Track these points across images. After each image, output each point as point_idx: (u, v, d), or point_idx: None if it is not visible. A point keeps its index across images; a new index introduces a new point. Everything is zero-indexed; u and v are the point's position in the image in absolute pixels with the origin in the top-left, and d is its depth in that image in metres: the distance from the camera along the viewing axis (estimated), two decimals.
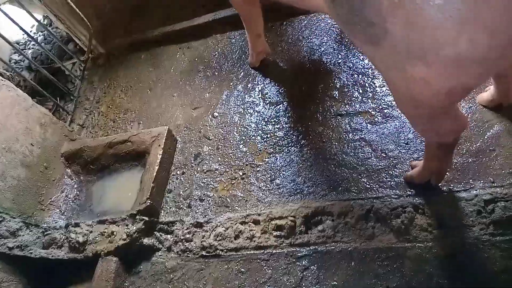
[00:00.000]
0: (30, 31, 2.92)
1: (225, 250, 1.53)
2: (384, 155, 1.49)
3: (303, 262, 1.41)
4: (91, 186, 1.99)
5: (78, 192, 1.98)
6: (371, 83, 1.69)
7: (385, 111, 1.59)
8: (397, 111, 1.57)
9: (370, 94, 1.67)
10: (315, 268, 1.38)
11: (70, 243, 1.72)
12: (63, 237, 1.76)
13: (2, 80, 1.83)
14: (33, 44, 2.86)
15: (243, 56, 2.07)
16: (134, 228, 1.64)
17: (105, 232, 1.69)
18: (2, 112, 1.79)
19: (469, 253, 1.23)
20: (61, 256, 1.71)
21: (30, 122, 1.91)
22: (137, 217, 1.66)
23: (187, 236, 1.60)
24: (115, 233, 1.66)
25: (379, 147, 1.52)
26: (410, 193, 1.38)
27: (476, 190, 1.31)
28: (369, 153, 1.52)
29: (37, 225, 1.80)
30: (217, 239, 1.56)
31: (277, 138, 1.72)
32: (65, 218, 1.89)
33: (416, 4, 0.72)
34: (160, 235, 1.66)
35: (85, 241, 1.70)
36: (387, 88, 1.63)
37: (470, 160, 1.38)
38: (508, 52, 0.78)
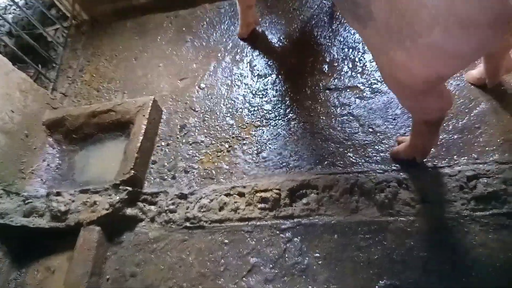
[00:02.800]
0: None
1: (209, 222, 1.52)
2: (371, 130, 1.49)
3: (287, 234, 1.41)
4: (73, 155, 1.95)
5: (60, 162, 1.94)
6: (361, 57, 1.68)
7: (374, 86, 1.59)
8: (385, 86, 1.56)
9: (360, 69, 1.65)
10: (298, 240, 1.39)
11: (51, 212, 1.69)
12: (45, 206, 1.73)
13: None
14: (14, 9, 2.75)
15: (232, 27, 2.02)
16: (117, 198, 1.62)
17: (87, 201, 1.67)
18: None
19: (450, 227, 1.25)
20: (43, 224, 1.69)
21: (10, 87, 1.85)
22: (120, 187, 1.64)
23: (171, 207, 1.59)
24: (97, 202, 1.64)
25: (367, 122, 1.51)
26: (395, 168, 1.39)
27: (460, 166, 1.32)
28: (356, 128, 1.52)
29: (17, 193, 1.76)
30: (202, 210, 1.55)
31: (265, 111, 1.70)
32: (46, 187, 1.85)
33: None
34: (144, 205, 1.65)
35: (67, 210, 1.67)
36: None
37: (455, 136, 1.39)
38: (485, 47, 0.79)
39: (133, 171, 1.64)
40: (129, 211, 1.63)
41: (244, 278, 1.38)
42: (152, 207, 1.63)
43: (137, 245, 1.58)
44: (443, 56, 0.80)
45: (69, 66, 2.28)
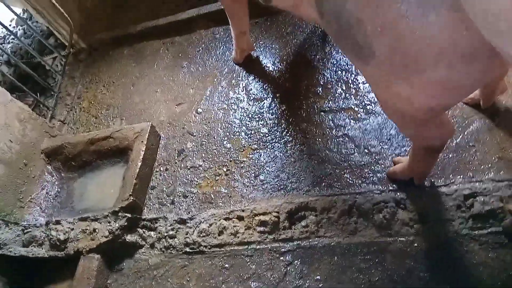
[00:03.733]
0: (9, 25, 2.85)
1: (209, 246, 1.52)
2: (367, 151, 1.51)
3: (287, 257, 1.41)
4: (72, 183, 1.96)
5: (59, 189, 1.94)
6: (354, 79, 1.71)
7: (368, 107, 1.61)
8: (379, 107, 1.58)
9: (353, 91, 1.68)
10: (298, 263, 1.39)
11: (51, 240, 1.69)
12: (44, 234, 1.73)
13: None
14: (12, 38, 2.80)
15: (227, 52, 2.06)
16: (117, 225, 1.62)
17: (87, 229, 1.67)
18: None
19: (449, 246, 1.25)
20: (42, 254, 1.68)
21: (8, 117, 1.87)
22: (120, 213, 1.64)
23: (171, 232, 1.59)
24: (97, 230, 1.64)
25: (362, 143, 1.53)
26: (392, 188, 1.40)
27: (456, 185, 1.33)
28: (352, 149, 1.54)
29: (16, 223, 1.76)
30: (201, 235, 1.55)
31: (261, 134, 1.72)
32: (45, 216, 1.85)
33: (398, 31, 0.74)
34: (143, 231, 1.64)
35: (66, 238, 1.67)
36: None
37: (450, 155, 1.40)
38: (485, 78, 0.82)
39: (132, 198, 1.65)
40: (129, 237, 1.63)
41: None
42: (152, 233, 1.63)
43: (137, 272, 1.58)
44: (447, 88, 0.83)
45: (68, 94, 2.31)
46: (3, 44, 2.86)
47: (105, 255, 1.63)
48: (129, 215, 1.64)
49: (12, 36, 2.66)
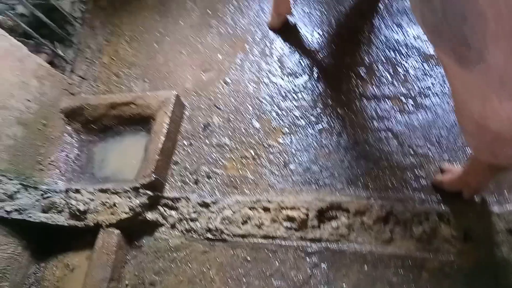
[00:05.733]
0: None
1: (231, 235, 1.46)
2: (412, 152, 1.36)
3: (313, 258, 1.34)
4: (92, 146, 1.88)
5: (79, 152, 1.87)
6: (404, 63, 1.51)
7: (418, 99, 1.43)
8: (430, 100, 1.41)
9: (402, 77, 1.49)
10: (325, 266, 1.32)
11: (70, 209, 1.65)
12: (63, 202, 1.69)
13: None
14: None
15: (262, 13, 1.85)
16: (137, 202, 1.56)
17: (107, 202, 1.61)
18: None
19: (493, 273, 1.15)
20: (61, 222, 1.65)
21: (25, 75, 1.75)
22: (141, 190, 1.57)
23: (193, 215, 1.53)
24: (117, 205, 1.59)
25: (407, 141, 1.38)
26: (436, 198, 1.28)
27: (511, 205, 1.20)
28: (395, 147, 1.39)
29: (36, 188, 1.71)
30: (224, 222, 1.48)
31: (294, 117, 1.58)
32: (65, 180, 1.80)
33: None
34: (164, 210, 1.59)
35: (86, 209, 1.63)
36: (423, 72, 1.46)
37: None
38: None
39: (154, 175, 1.57)
40: (149, 215, 1.58)
41: None
42: (173, 213, 1.58)
43: (157, 251, 1.54)
44: None
45: (87, 46, 2.16)
46: None
47: (125, 231, 1.59)
48: (150, 193, 1.57)
49: None
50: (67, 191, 1.70)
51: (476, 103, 0.80)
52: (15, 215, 1.62)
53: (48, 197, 1.71)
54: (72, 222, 1.65)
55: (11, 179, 1.64)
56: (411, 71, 1.49)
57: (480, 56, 0.65)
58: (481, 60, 0.65)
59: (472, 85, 0.77)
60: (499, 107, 0.71)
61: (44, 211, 1.70)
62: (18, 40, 1.78)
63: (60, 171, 1.82)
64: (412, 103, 1.43)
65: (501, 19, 0.59)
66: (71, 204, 1.65)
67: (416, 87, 1.46)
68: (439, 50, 0.79)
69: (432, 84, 1.43)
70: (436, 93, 1.41)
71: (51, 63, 2.10)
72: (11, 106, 1.67)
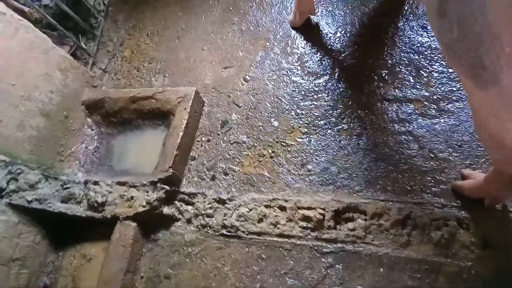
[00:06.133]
0: None
1: (247, 232, 1.47)
2: (432, 156, 1.35)
3: (328, 259, 1.34)
4: (111, 139, 1.91)
5: (98, 144, 1.90)
6: (427, 65, 1.49)
7: (440, 103, 1.42)
8: (453, 105, 1.39)
9: (425, 80, 1.47)
10: (340, 267, 1.32)
11: (89, 201, 1.68)
12: (82, 193, 1.72)
13: (20, 20, 1.67)
14: None
15: (284, 11, 1.84)
16: (155, 196, 1.58)
17: (124, 195, 1.64)
18: (20, 56, 1.65)
19: (511, 280, 1.14)
20: (80, 213, 1.68)
21: (49, 67, 1.79)
22: (158, 185, 1.59)
23: (209, 211, 1.54)
24: (134, 198, 1.61)
25: (427, 146, 1.37)
26: (455, 204, 1.26)
27: None
28: (415, 151, 1.38)
29: (56, 178, 1.75)
30: (240, 219, 1.49)
31: (313, 117, 1.57)
32: (84, 171, 1.83)
33: None
34: (181, 205, 1.60)
35: (104, 201, 1.65)
36: (446, 76, 1.44)
37: None
38: None
39: (171, 170, 1.58)
40: (166, 210, 1.59)
41: None
42: (189, 208, 1.59)
43: (172, 245, 1.56)
44: None
45: (110, 39, 2.19)
46: None
47: (141, 224, 1.61)
48: (167, 188, 1.58)
49: None
50: (86, 182, 1.73)
51: (493, 121, 0.79)
52: (36, 205, 1.66)
53: (67, 188, 1.75)
54: (90, 213, 1.68)
55: (33, 169, 1.68)
56: (435, 75, 1.47)
57: (495, 78, 0.64)
58: (496, 82, 0.64)
59: (487, 104, 0.76)
60: None
61: (63, 201, 1.73)
62: (42, 32, 1.81)
63: (80, 163, 1.85)
64: (435, 107, 1.41)
65: None
66: (90, 196, 1.67)
67: (439, 91, 1.44)
68: (458, 68, 0.77)
69: (456, 88, 1.41)
70: (460, 98, 1.39)
71: (73, 55, 2.13)
72: (35, 98, 1.71)
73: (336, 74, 1.62)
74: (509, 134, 0.75)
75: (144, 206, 1.58)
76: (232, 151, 1.64)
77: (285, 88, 1.67)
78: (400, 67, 1.53)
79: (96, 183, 1.71)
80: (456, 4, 0.66)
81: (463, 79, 0.77)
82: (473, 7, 0.62)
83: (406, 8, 1.62)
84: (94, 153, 1.88)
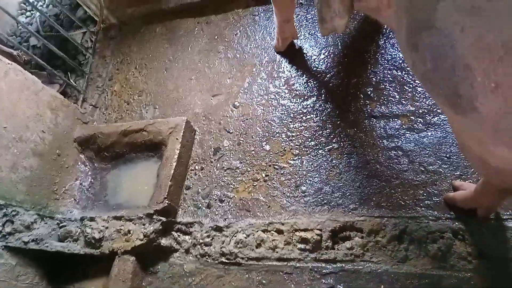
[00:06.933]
0: None
1: (246, 259, 1.46)
2: (423, 169, 1.37)
3: (329, 279, 1.34)
4: (105, 174, 1.92)
5: (92, 180, 1.91)
6: (411, 81, 1.53)
7: (426, 116, 1.45)
8: (439, 117, 1.42)
9: (410, 95, 1.51)
10: (341, 287, 1.31)
11: (86, 238, 1.67)
12: (79, 230, 1.71)
13: (9, 64, 1.70)
14: (41, 6, 2.68)
15: (268, 37, 1.89)
16: (151, 228, 1.58)
17: (121, 229, 1.63)
18: (10, 98, 1.68)
19: None
20: (77, 250, 1.67)
21: (40, 107, 1.81)
22: (154, 216, 1.59)
23: (206, 240, 1.54)
24: (131, 231, 1.61)
25: (417, 159, 1.39)
26: (449, 216, 1.27)
27: None
28: (406, 165, 1.40)
29: (51, 217, 1.74)
30: (238, 246, 1.49)
31: (304, 138, 1.59)
32: (80, 208, 1.83)
33: None
34: (178, 235, 1.60)
35: (101, 237, 1.65)
36: None
37: None
38: None
39: (167, 201, 1.59)
40: (163, 241, 1.59)
41: None
42: (187, 238, 1.59)
43: (172, 277, 1.55)
44: None
45: (99, 75, 2.22)
46: (32, 12, 2.76)
47: (140, 257, 1.60)
48: (164, 219, 1.58)
49: (40, 5, 2.54)
50: (82, 219, 1.73)
51: (474, 144, 0.80)
52: (33, 245, 1.65)
53: (63, 226, 1.74)
54: (88, 250, 1.67)
55: (27, 210, 1.67)
56: (419, 89, 1.50)
57: (471, 106, 0.65)
58: (473, 110, 0.65)
59: (467, 129, 0.77)
60: (495, 150, 0.72)
61: (60, 240, 1.72)
62: (32, 72, 1.84)
63: (75, 200, 1.85)
64: (421, 120, 1.44)
65: (490, 74, 0.59)
66: (87, 232, 1.67)
67: (424, 105, 1.47)
68: (435, 97, 0.79)
69: None
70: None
71: (63, 92, 2.16)
72: (27, 138, 1.72)
73: (323, 95, 1.65)
74: (491, 156, 0.77)
75: (141, 239, 1.58)
76: (226, 178, 1.65)
77: (274, 111, 1.70)
78: (385, 84, 1.56)
79: (92, 219, 1.70)
80: (426, 38, 0.68)
81: (442, 106, 0.79)
82: (442, 41, 0.64)
83: (386, 27, 1.67)
84: (89, 189, 1.89)
